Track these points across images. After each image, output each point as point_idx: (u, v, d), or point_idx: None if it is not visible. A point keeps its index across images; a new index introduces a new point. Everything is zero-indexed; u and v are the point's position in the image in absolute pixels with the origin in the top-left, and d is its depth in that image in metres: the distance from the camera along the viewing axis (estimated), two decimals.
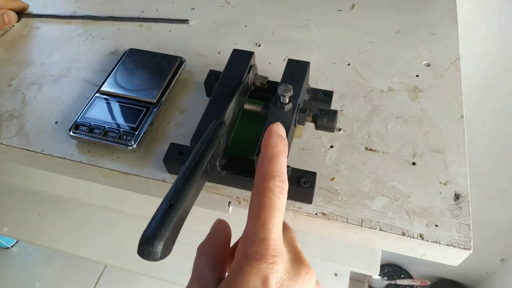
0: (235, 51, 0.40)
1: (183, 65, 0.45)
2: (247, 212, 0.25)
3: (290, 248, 0.25)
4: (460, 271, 1.33)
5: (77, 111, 0.42)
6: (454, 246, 0.32)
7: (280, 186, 0.24)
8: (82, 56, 0.49)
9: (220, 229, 0.28)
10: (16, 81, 0.46)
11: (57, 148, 0.40)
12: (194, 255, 0.28)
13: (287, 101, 0.33)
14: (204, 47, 0.49)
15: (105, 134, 0.39)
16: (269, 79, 0.40)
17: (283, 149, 0.26)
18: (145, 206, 0.66)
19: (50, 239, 0.93)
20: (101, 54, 0.49)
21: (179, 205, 0.25)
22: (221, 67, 0.40)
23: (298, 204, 0.35)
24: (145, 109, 0.41)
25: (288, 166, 0.34)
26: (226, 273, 0.26)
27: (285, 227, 0.27)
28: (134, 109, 0.41)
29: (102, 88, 0.43)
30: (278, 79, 0.37)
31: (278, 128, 0.28)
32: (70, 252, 0.92)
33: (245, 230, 0.24)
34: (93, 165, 0.39)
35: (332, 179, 0.36)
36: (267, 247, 0.22)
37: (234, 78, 0.37)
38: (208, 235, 0.28)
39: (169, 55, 0.46)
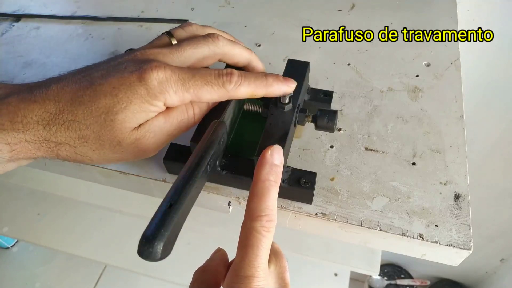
0: None
1: None
2: None
3: (277, 279, 0.27)
4: (460, 271, 1.33)
5: None
6: (454, 246, 0.32)
7: (267, 226, 0.25)
8: (82, 56, 0.49)
9: (216, 258, 0.30)
10: (16, 81, 0.46)
11: None
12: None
13: (287, 101, 0.33)
14: None
15: None
16: None
17: (274, 182, 0.26)
18: (145, 206, 0.66)
19: (50, 239, 0.93)
20: (101, 54, 0.49)
21: (179, 205, 0.25)
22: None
23: (298, 204, 0.35)
24: None
25: (288, 166, 0.34)
26: None
27: (277, 255, 0.28)
28: None
29: None
30: None
31: (273, 155, 0.27)
32: (70, 252, 0.92)
33: (234, 262, 0.25)
34: (93, 165, 0.39)
35: (332, 179, 0.36)
36: (251, 285, 0.23)
37: None
38: (205, 262, 0.30)
39: None
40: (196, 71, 0.30)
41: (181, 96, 0.29)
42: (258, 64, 0.37)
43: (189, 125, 0.32)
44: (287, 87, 0.32)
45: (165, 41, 0.34)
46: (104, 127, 0.28)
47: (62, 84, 0.29)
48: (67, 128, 0.28)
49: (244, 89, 0.31)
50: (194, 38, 0.33)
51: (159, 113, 0.30)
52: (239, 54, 0.35)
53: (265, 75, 0.32)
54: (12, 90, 0.30)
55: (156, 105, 0.29)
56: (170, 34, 0.34)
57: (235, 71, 0.31)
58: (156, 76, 0.28)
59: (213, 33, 0.34)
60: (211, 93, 0.30)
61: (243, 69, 0.36)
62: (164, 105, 0.30)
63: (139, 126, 0.30)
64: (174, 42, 0.34)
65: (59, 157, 0.29)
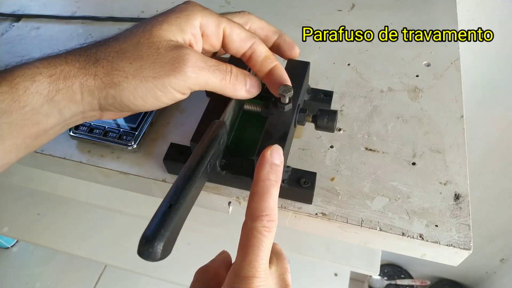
0: None
1: None
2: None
3: (277, 280, 0.26)
4: (460, 271, 1.33)
5: None
6: (454, 246, 0.32)
7: (268, 226, 0.25)
8: None
9: (219, 259, 0.30)
10: None
11: (57, 148, 0.40)
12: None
13: (287, 101, 0.33)
14: None
15: (105, 134, 0.39)
16: None
17: (274, 181, 0.26)
18: (145, 206, 0.66)
19: (50, 239, 0.93)
20: None
21: (179, 205, 0.25)
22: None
23: (298, 204, 0.35)
24: None
25: (288, 166, 0.34)
26: None
27: (279, 256, 0.28)
28: None
29: None
30: None
31: (272, 155, 0.27)
32: (70, 252, 0.92)
33: (234, 263, 0.25)
34: (93, 165, 0.39)
35: (332, 179, 0.36)
36: (251, 286, 0.23)
37: None
38: (207, 263, 0.30)
39: None
40: None
41: (216, 20, 0.32)
42: (288, 37, 0.38)
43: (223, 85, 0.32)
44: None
45: None
46: (142, 36, 0.29)
47: None
48: (107, 46, 0.29)
49: (264, 46, 0.33)
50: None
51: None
52: (267, 25, 0.36)
53: None
54: None
55: (191, 22, 0.30)
56: None
57: None
58: (194, 3, 0.32)
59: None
60: (241, 30, 0.33)
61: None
62: (200, 26, 0.31)
63: (180, 45, 0.30)
64: None
65: (96, 79, 0.28)
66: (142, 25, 0.30)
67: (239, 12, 0.35)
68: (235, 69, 0.32)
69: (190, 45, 0.31)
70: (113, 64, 0.28)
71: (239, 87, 0.32)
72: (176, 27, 0.30)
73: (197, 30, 0.31)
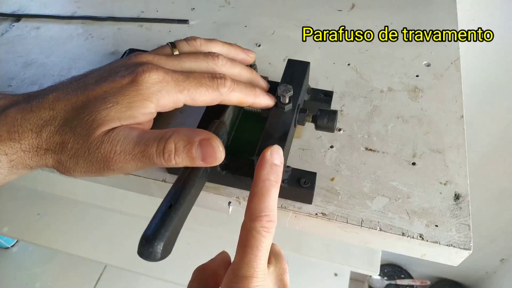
0: None
1: None
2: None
3: (276, 281, 0.27)
4: (460, 271, 1.33)
5: None
6: (454, 246, 0.32)
7: (267, 227, 0.25)
8: (82, 56, 0.49)
9: (218, 259, 0.30)
10: (16, 81, 0.46)
11: None
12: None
13: (287, 101, 0.33)
14: None
15: None
16: (269, 79, 0.40)
17: (274, 182, 0.26)
18: (145, 206, 0.66)
19: (50, 239, 0.93)
20: (101, 54, 0.49)
21: (179, 205, 0.25)
22: None
23: (298, 204, 0.35)
24: None
25: (288, 166, 0.34)
26: None
27: (278, 257, 0.28)
28: None
29: None
30: (278, 79, 0.37)
31: (273, 155, 0.27)
32: (70, 252, 0.92)
33: (233, 262, 0.25)
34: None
35: (332, 179, 0.36)
36: (249, 285, 0.24)
37: None
38: (206, 262, 0.30)
39: None
40: (190, 73, 0.30)
41: (174, 97, 0.29)
42: (259, 83, 0.36)
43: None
44: (271, 101, 0.34)
45: (167, 51, 0.34)
46: (83, 128, 0.27)
47: (58, 92, 0.29)
48: (55, 133, 0.28)
49: (236, 95, 0.31)
50: (194, 53, 0.33)
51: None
52: (239, 74, 0.34)
53: (253, 86, 0.33)
54: (12, 101, 0.30)
55: (147, 107, 0.28)
56: (173, 45, 0.34)
57: (228, 76, 0.31)
58: (148, 78, 0.28)
59: (214, 52, 0.34)
60: (205, 95, 0.30)
61: None
62: (157, 108, 0.29)
63: (111, 130, 0.27)
64: (175, 53, 0.34)
65: (48, 165, 0.28)
66: (92, 106, 0.28)
67: (207, 54, 0.33)
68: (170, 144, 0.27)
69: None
70: (57, 156, 0.28)
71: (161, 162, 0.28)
72: (124, 114, 0.28)
73: (154, 111, 0.29)
